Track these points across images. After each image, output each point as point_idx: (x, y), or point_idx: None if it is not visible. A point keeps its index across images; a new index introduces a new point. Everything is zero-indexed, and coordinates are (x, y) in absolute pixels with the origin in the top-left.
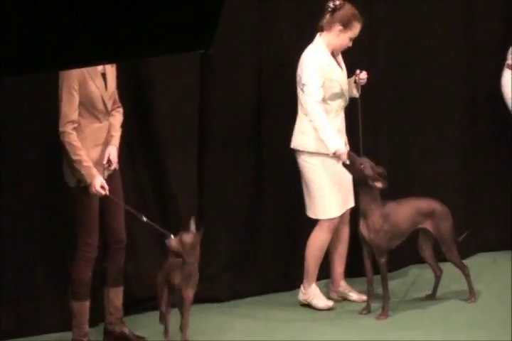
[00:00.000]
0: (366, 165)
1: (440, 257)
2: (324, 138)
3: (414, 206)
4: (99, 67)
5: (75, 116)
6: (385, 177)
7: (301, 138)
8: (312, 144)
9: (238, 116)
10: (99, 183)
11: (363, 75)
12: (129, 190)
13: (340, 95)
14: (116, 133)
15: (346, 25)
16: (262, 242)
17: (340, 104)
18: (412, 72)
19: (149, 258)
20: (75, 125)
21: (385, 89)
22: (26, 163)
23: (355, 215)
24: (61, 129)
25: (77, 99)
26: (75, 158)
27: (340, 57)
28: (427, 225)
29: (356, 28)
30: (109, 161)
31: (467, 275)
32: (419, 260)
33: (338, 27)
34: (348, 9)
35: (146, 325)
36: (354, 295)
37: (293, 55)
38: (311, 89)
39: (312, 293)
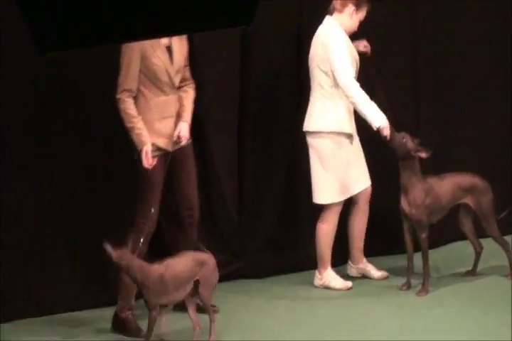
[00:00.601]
0: (407, 138)
1: (481, 233)
2: (367, 113)
3: (455, 181)
4: (164, 40)
5: (131, 85)
6: (425, 148)
7: (320, 119)
8: (333, 124)
9: (278, 94)
10: (146, 152)
11: (362, 46)
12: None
13: (355, 73)
14: (188, 109)
15: (358, 6)
16: (302, 219)
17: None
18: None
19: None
20: (133, 94)
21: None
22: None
23: (392, 190)
24: (117, 96)
25: (135, 69)
26: (128, 125)
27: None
28: (468, 200)
29: (365, 11)
30: (178, 137)
31: (508, 251)
32: (460, 236)
33: (352, 8)
34: None
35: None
36: (376, 273)
37: None
38: (344, 66)
39: (329, 276)
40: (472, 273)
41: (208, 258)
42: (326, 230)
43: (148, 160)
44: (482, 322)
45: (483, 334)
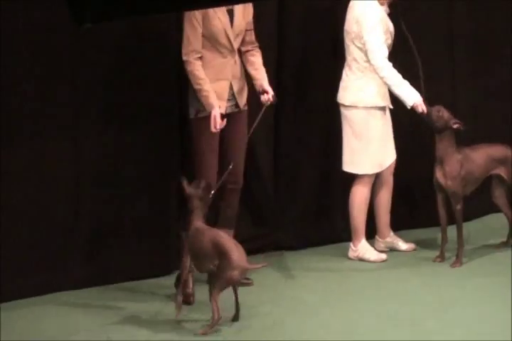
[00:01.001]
0: (442, 109)
1: None
2: (400, 94)
3: (488, 152)
4: None
5: (198, 45)
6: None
7: (355, 93)
8: (368, 99)
9: (313, 65)
10: (215, 116)
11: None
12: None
13: (390, 46)
14: (263, 71)
15: None
16: (338, 192)
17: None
18: None
19: None
20: (199, 55)
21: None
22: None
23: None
24: (184, 58)
25: (199, 30)
26: (195, 87)
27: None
28: (500, 171)
29: None
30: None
31: None
32: (494, 209)
33: None
34: None
35: None
36: (403, 245)
37: None
38: (378, 47)
39: (363, 248)
40: (506, 244)
41: (231, 252)
42: (358, 202)
43: (216, 124)
44: None
45: None
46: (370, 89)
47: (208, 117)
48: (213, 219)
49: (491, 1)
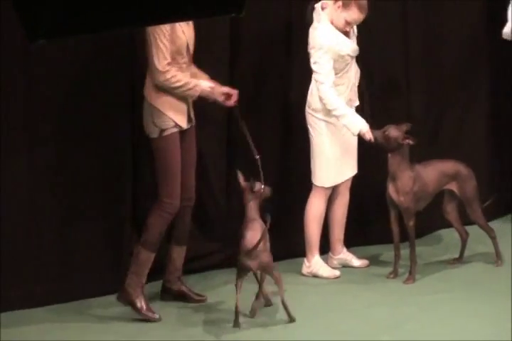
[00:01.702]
0: (389, 129)
1: (466, 220)
2: (346, 123)
3: (440, 167)
4: None
5: (169, 58)
6: (411, 133)
7: (315, 102)
8: (324, 112)
9: (266, 80)
10: (223, 89)
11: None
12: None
13: (350, 66)
14: (207, 76)
15: (345, 5)
16: (292, 207)
17: (352, 73)
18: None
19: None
20: (171, 66)
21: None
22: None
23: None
24: (161, 69)
25: (168, 43)
26: (182, 88)
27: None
28: (452, 186)
29: (354, 13)
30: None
31: (493, 238)
32: (446, 225)
33: (339, 3)
34: None
35: (201, 284)
36: (356, 261)
37: None
38: (322, 76)
39: (317, 264)
40: (459, 260)
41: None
42: (313, 215)
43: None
44: (469, 309)
45: (470, 321)
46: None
47: (171, 134)
48: (166, 236)
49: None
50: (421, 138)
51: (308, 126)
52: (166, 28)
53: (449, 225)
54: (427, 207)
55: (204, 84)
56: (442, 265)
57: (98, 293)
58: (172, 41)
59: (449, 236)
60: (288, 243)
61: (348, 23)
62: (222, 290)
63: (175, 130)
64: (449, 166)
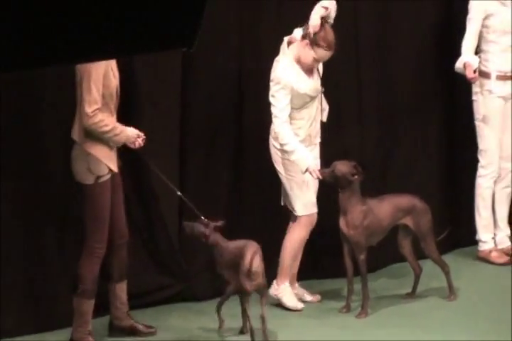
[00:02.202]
0: (338, 167)
1: (420, 255)
2: (295, 160)
3: (394, 202)
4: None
5: (99, 101)
6: (359, 170)
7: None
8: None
9: (219, 113)
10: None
11: None
12: None
13: (311, 102)
14: None
15: (313, 42)
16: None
17: (313, 110)
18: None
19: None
20: (99, 107)
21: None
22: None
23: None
24: (88, 111)
25: (101, 87)
26: (109, 134)
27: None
28: (407, 221)
29: (321, 51)
30: (138, 136)
31: (447, 273)
32: (400, 259)
33: (306, 41)
34: (324, 32)
35: (153, 318)
36: (308, 296)
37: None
38: (277, 110)
39: (284, 290)
40: (411, 295)
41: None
42: (291, 243)
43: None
44: None
45: None
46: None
47: (105, 181)
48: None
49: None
50: (372, 172)
51: (274, 162)
52: (100, 71)
53: (402, 259)
54: (380, 241)
55: (130, 131)
56: (395, 299)
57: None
58: (105, 85)
59: (402, 270)
60: None
61: (315, 60)
62: (175, 324)
63: (109, 176)
64: (404, 201)
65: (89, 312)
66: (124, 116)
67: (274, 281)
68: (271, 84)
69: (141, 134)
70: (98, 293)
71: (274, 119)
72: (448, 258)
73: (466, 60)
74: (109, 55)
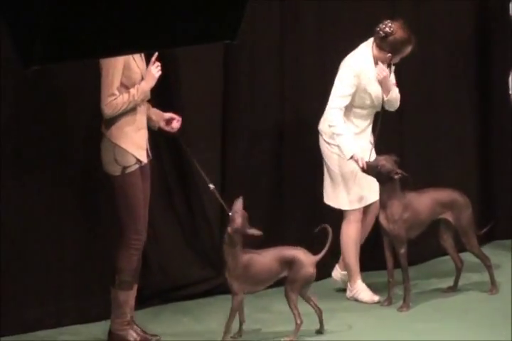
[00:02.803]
0: (382, 162)
1: (461, 248)
2: (341, 145)
3: (434, 196)
4: None
5: (116, 90)
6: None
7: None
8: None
9: (261, 106)
10: None
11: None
12: (155, 178)
13: (371, 106)
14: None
15: (396, 52)
16: (287, 231)
17: (370, 112)
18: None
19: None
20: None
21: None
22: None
23: None
24: (106, 101)
25: (119, 76)
26: (138, 96)
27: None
28: (447, 216)
29: (407, 50)
30: (172, 119)
31: (489, 267)
32: (442, 253)
33: (388, 54)
34: (399, 36)
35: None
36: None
37: (314, 44)
38: (336, 96)
39: (359, 288)
40: (453, 289)
41: (298, 256)
42: (345, 239)
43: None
44: (463, 338)
45: None
46: None
47: (134, 171)
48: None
49: None
50: (414, 166)
51: (323, 155)
52: (118, 64)
53: (444, 253)
54: (422, 235)
55: (142, 83)
56: (437, 293)
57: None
58: (128, 77)
59: (445, 263)
60: None
61: (402, 58)
62: (216, 316)
63: (137, 166)
64: (444, 195)
65: (127, 303)
66: (166, 104)
67: (348, 284)
68: (344, 67)
69: (177, 117)
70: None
71: (330, 103)
72: (485, 251)
73: None
74: (157, 46)
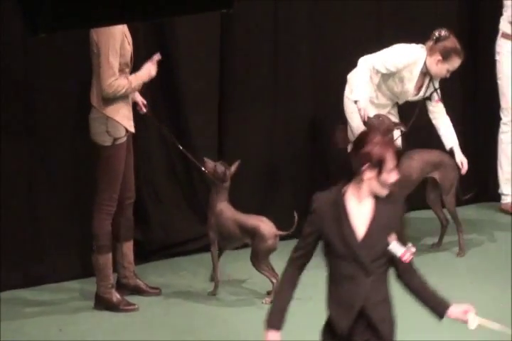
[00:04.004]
0: (383, 117)
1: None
2: (355, 87)
3: (424, 157)
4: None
5: (116, 69)
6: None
7: None
8: None
9: (256, 71)
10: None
11: None
12: (155, 143)
13: (395, 96)
14: None
15: (445, 57)
16: (283, 193)
17: (390, 100)
18: None
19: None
20: (117, 76)
21: None
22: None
23: None
24: (108, 82)
25: (118, 55)
26: (132, 88)
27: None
28: (435, 174)
29: (455, 62)
30: (145, 106)
31: (460, 232)
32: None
33: (438, 57)
34: (451, 42)
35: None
36: None
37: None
38: (379, 59)
39: None
40: (438, 244)
41: (259, 228)
42: None
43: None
44: (446, 290)
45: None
46: None
47: (122, 143)
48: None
49: None
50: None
51: (346, 115)
52: (116, 43)
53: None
54: (411, 191)
55: (139, 74)
56: (423, 248)
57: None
58: (122, 55)
59: (430, 222)
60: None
61: (449, 71)
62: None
63: (125, 138)
64: (433, 156)
65: (108, 265)
66: (166, 73)
67: None
68: (400, 51)
69: (144, 101)
70: None
71: (369, 59)
72: (471, 209)
73: None
74: (154, 16)
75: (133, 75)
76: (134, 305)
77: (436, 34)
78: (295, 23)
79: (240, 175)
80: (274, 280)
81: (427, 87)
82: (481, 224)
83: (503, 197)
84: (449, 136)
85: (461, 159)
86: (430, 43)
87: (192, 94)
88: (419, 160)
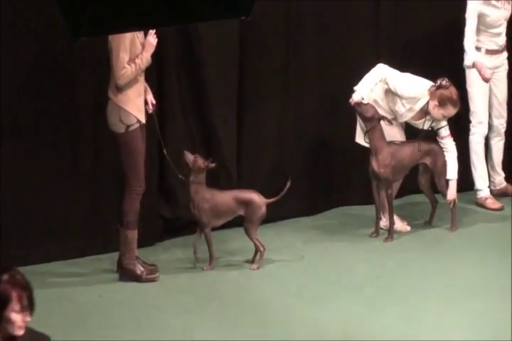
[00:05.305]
0: (368, 106)
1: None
2: (363, 80)
3: (415, 145)
4: None
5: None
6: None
7: None
8: None
9: (269, 70)
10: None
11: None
12: (180, 134)
13: (389, 114)
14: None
15: (441, 104)
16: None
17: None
18: None
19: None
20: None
21: None
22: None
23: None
24: (121, 73)
25: (128, 48)
26: (138, 69)
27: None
28: (426, 160)
29: (450, 110)
30: (152, 104)
31: (453, 208)
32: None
33: (436, 102)
34: (449, 92)
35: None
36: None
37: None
38: (393, 79)
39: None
40: (429, 222)
41: (253, 198)
42: None
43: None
44: (439, 264)
45: (436, 277)
46: None
47: (135, 129)
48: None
49: None
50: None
51: None
52: (126, 41)
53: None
54: (403, 176)
55: (144, 52)
56: (416, 226)
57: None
58: (133, 52)
59: (422, 202)
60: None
61: (444, 117)
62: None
63: (137, 125)
64: (424, 144)
65: (134, 240)
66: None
67: (382, 215)
68: (405, 79)
69: (153, 101)
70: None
71: (375, 69)
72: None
73: (476, 59)
74: (181, 21)
75: (139, 56)
76: (155, 274)
77: (438, 82)
78: (305, 25)
79: (255, 165)
80: (262, 249)
81: (430, 121)
82: (465, 208)
83: (478, 192)
84: (449, 170)
85: (451, 194)
86: (432, 89)
87: (214, 92)
88: (410, 148)
